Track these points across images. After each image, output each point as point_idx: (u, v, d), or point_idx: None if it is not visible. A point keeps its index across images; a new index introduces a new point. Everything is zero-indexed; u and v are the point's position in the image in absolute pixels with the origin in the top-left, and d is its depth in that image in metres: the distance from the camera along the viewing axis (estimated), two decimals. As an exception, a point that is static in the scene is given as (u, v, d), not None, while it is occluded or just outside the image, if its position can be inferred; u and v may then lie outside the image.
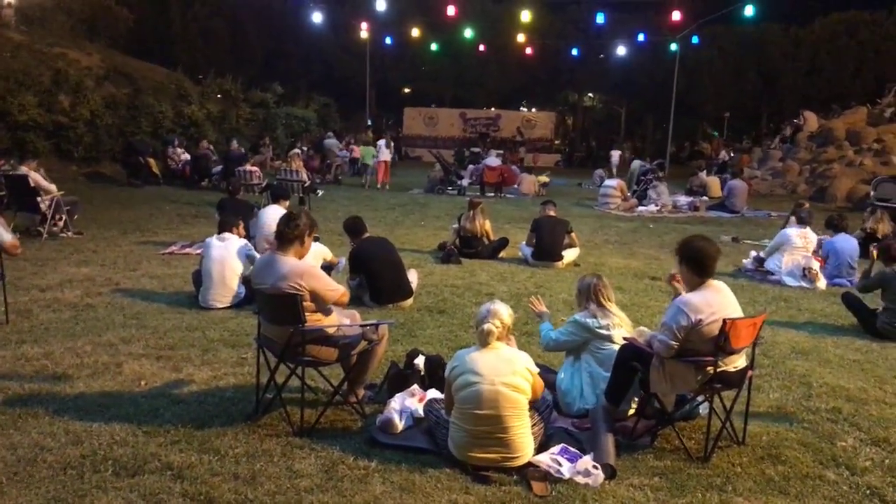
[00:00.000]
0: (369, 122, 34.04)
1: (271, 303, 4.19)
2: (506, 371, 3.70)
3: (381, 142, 21.70)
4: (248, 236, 8.33)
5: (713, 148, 34.50)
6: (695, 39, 30.59)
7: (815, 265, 8.88)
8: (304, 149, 22.45)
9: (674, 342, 3.87)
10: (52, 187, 10.44)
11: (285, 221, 4.35)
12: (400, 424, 4.08)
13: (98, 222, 11.60)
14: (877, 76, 33.38)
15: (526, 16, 28.22)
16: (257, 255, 6.68)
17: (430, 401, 4.20)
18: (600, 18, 29.28)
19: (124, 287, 7.50)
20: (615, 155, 28.40)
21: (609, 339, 4.47)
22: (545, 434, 4.00)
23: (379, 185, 20.21)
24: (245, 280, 6.66)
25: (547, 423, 4.05)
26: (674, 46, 29.69)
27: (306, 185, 15.12)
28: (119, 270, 8.30)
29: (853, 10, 37.57)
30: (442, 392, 4.08)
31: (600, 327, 4.48)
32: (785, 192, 21.30)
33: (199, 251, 7.91)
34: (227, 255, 6.87)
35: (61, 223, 10.38)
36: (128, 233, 10.90)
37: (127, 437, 3.96)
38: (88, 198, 13.75)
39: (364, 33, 32.41)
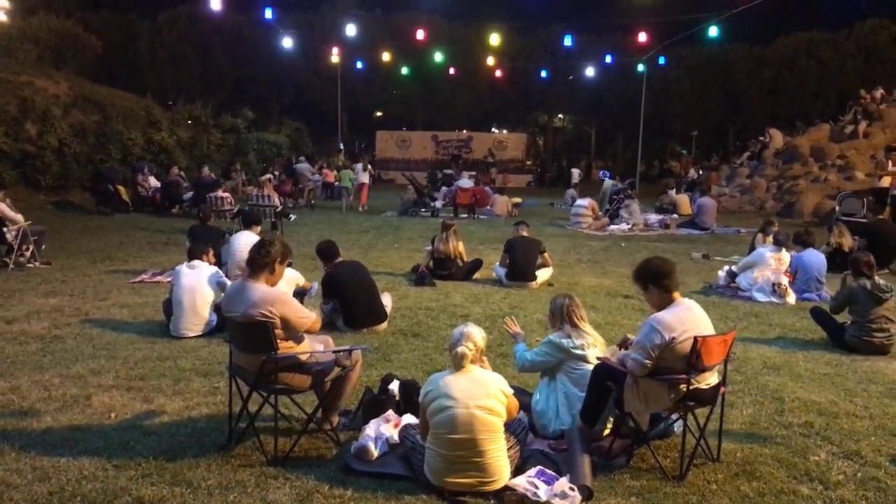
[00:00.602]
0: (341, 146, 34.09)
1: (242, 331, 4.15)
2: (480, 394, 3.69)
3: (358, 165, 23.04)
4: (220, 263, 8.27)
5: (682, 166, 34.93)
6: (661, 60, 31.14)
7: (785, 280, 9.01)
8: (276, 173, 22.47)
9: (647, 361, 3.90)
10: (19, 217, 10.28)
11: (257, 248, 4.33)
12: (375, 451, 4.04)
13: (67, 252, 11.43)
14: (839, 93, 34.24)
15: (495, 39, 28.49)
16: (228, 282, 6.63)
17: (406, 426, 4.17)
18: (568, 41, 29.67)
19: (94, 317, 7.38)
20: (575, 173, 28.88)
21: (584, 358, 4.48)
22: (521, 456, 3.99)
23: (360, 204, 20.83)
24: (217, 308, 6.59)
25: (523, 445, 4.04)
26: (641, 67, 30.17)
27: (278, 210, 15.09)
28: (88, 300, 8.17)
29: (814, 30, 38.70)
30: (417, 417, 4.06)
31: (575, 347, 4.50)
32: (753, 209, 21.64)
33: (170, 279, 7.82)
34: (198, 283, 6.81)
35: (28, 253, 10.21)
36: (97, 262, 10.73)
37: (96, 471, 3.87)
38: (57, 227, 13.56)
39: (335, 58, 32.55)
